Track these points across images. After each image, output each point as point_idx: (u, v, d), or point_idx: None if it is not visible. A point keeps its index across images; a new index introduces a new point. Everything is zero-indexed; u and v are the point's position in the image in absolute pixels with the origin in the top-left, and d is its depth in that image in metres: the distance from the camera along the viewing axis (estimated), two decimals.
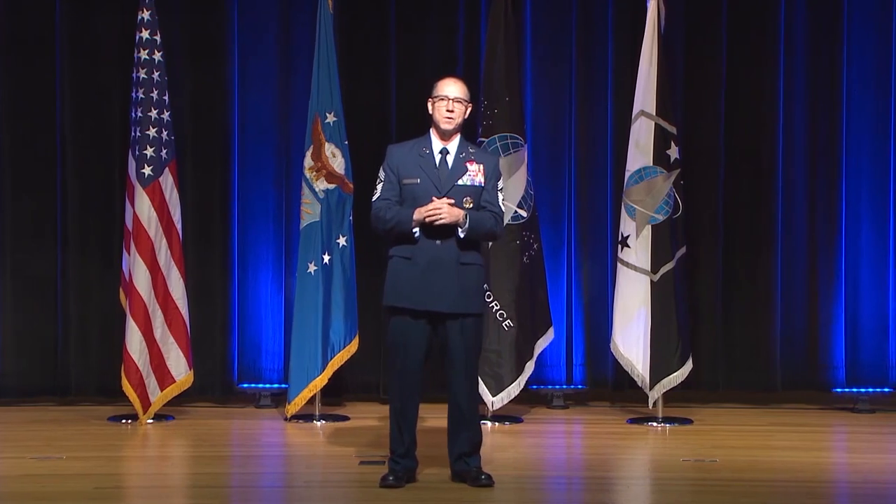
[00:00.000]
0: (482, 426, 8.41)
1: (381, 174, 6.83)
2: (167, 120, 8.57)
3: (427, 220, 6.62)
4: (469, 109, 6.85)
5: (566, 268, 9.36)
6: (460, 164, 6.76)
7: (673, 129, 8.60)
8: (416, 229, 6.67)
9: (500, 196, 6.82)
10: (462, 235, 6.66)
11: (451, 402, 6.82)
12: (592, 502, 6.82)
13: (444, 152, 6.78)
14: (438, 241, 6.68)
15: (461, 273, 6.71)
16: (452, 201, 6.66)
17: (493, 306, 8.52)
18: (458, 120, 6.78)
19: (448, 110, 6.75)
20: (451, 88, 6.79)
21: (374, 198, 6.84)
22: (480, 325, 6.84)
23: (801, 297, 9.31)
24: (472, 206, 6.72)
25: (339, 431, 8.42)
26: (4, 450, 7.72)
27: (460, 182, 6.74)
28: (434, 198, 6.66)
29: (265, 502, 6.95)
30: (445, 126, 6.77)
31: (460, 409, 6.79)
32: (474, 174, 6.76)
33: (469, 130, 8.86)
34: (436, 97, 6.79)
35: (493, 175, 6.81)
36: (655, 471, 7.60)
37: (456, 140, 6.82)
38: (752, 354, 9.31)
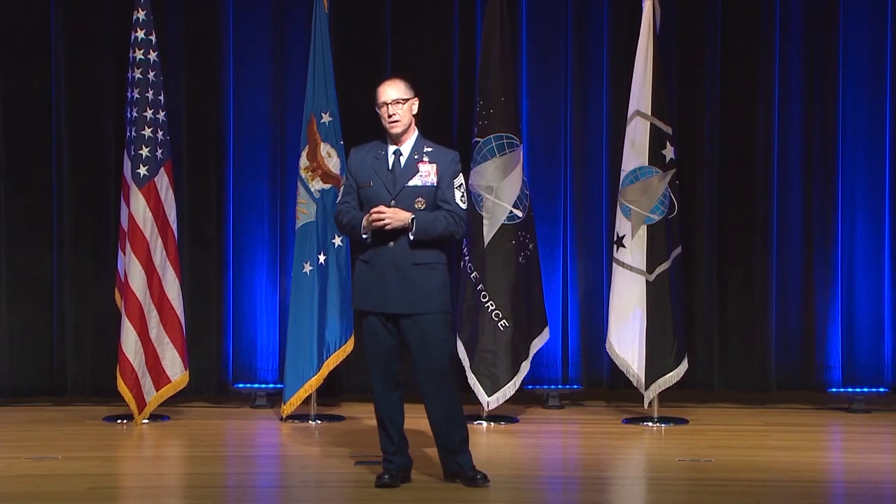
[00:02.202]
0: (478, 425, 8.44)
1: (343, 176, 6.89)
2: (162, 120, 8.57)
3: (374, 225, 6.65)
4: (415, 103, 6.80)
5: (562, 268, 9.36)
6: (412, 165, 6.75)
7: (668, 129, 8.60)
8: (366, 235, 6.70)
9: (459, 193, 6.77)
10: (412, 237, 6.67)
11: (424, 402, 6.82)
12: (588, 502, 6.82)
13: (398, 154, 6.79)
14: (391, 243, 6.69)
15: (417, 273, 6.69)
16: (387, 208, 6.64)
17: (488, 306, 8.52)
18: (404, 119, 6.76)
19: (389, 115, 6.76)
20: (388, 92, 6.77)
21: (338, 200, 6.92)
22: (443, 321, 6.76)
23: (797, 296, 9.31)
24: (424, 206, 6.70)
25: (335, 431, 8.41)
26: (0, 450, 7.71)
27: (411, 183, 6.73)
28: (382, 204, 6.66)
29: (260, 502, 6.94)
30: (394, 130, 6.77)
31: (433, 408, 6.78)
32: (426, 175, 6.74)
33: (465, 130, 8.91)
34: (378, 105, 6.79)
35: (448, 173, 6.77)
36: (651, 471, 7.60)
37: (411, 140, 6.81)
38: (748, 354, 9.31)
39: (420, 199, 6.72)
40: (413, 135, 6.83)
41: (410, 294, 6.69)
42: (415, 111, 6.82)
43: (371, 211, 6.66)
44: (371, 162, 6.80)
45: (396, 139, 6.78)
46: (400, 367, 6.83)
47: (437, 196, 6.74)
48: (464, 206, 6.81)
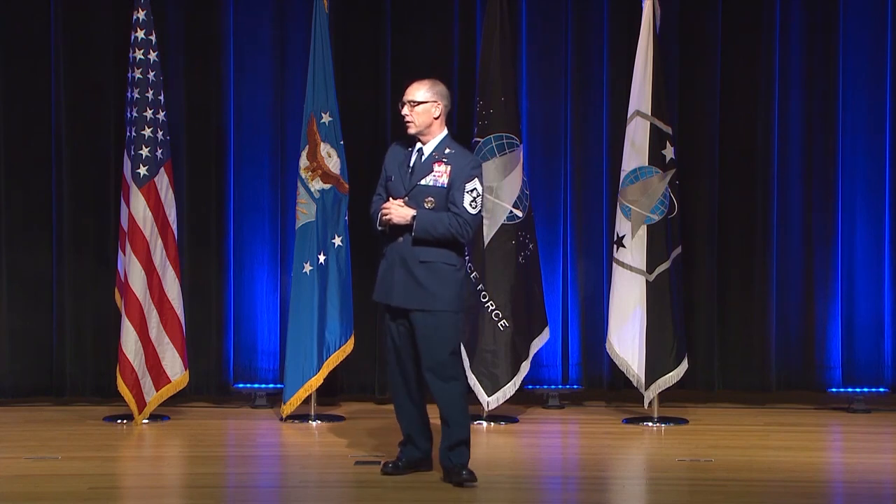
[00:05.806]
0: (478, 425, 8.45)
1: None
2: (162, 120, 8.57)
3: (382, 219, 6.80)
4: (436, 106, 6.81)
5: (562, 268, 9.36)
6: (428, 164, 6.81)
7: (668, 129, 8.60)
8: (382, 227, 6.84)
9: (469, 198, 6.76)
10: (412, 234, 6.74)
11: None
12: (588, 502, 6.82)
13: (420, 152, 6.85)
14: (401, 239, 6.80)
15: (421, 270, 6.76)
16: (401, 203, 6.76)
17: (488, 306, 8.52)
18: (417, 121, 6.80)
19: (403, 115, 6.83)
20: (407, 92, 6.86)
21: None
22: (446, 319, 6.79)
23: (797, 296, 9.30)
24: (433, 206, 6.76)
25: (335, 431, 8.41)
26: (0, 450, 7.71)
27: (423, 182, 6.79)
28: (398, 199, 6.78)
29: (261, 502, 6.95)
30: (409, 131, 6.84)
31: (438, 403, 6.86)
32: (438, 175, 6.79)
33: (465, 130, 8.90)
34: (401, 102, 6.89)
35: (461, 176, 6.77)
36: (651, 471, 7.61)
37: (436, 139, 6.85)
38: (748, 354, 9.30)
39: (430, 198, 6.77)
40: (439, 135, 6.86)
41: (413, 290, 6.78)
42: (436, 114, 6.81)
43: (381, 205, 6.81)
44: (401, 157, 6.89)
45: (420, 138, 6.84)
46: (411, 369, 6.89)
47: (447, 198, 6.78)
48: (473, 211, 6.79)
